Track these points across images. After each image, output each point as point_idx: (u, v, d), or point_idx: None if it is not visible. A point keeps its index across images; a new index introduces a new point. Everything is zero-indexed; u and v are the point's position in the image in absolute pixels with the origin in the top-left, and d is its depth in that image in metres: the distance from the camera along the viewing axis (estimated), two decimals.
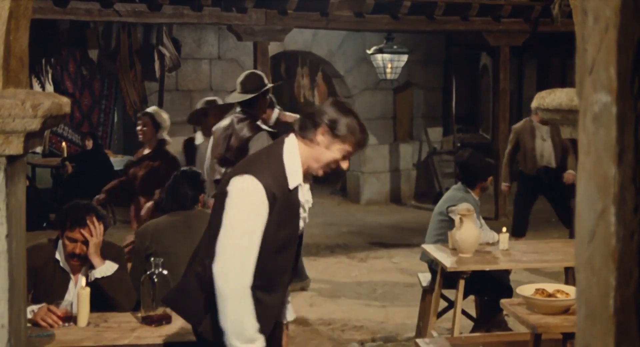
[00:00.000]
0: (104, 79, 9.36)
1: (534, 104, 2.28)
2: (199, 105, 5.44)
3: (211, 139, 4.91)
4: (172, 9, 7.11)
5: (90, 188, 6.70)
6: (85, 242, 3.05)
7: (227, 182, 2.28)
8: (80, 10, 6.79)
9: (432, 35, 10.10)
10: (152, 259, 3.00)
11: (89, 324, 2.88)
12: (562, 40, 7.87)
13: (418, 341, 3.81)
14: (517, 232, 6.45)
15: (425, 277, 4.65)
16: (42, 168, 9.51)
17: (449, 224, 4.27)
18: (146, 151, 5.23)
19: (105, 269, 3.07)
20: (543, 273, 6.16)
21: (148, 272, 2.94)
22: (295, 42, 9.29)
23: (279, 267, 2.33)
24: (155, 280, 2.90)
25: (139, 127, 5.23)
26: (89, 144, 8.50)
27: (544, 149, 6.45)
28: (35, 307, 2.86)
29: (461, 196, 4.43)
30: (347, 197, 10.43)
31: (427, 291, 4.51)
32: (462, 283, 3.99)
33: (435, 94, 10.82)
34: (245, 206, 2.22)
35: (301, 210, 2.37)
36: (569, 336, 3.13)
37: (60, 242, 3.11)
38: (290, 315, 2.63)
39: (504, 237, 4.24)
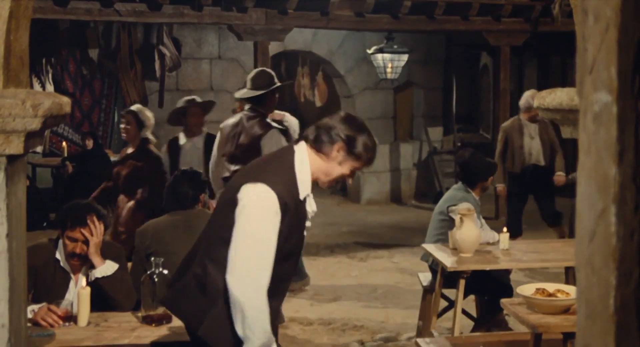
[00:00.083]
0: (104, 78, 9.36)
1: (534, 104, 2.28)
2: (179, 104, 5.44)
3: (217, 137, 4.91)
4: (173, 9, 7.11)
5: (91, 188, 6.70)
6: (86, 242, 3.05)
7: (237, 189, 2.25)
8: (81, 10, 6.79)
9: (432, 35, 10.10)
10: (152, 258, 3.00)
11: (89, 323, 2.88)
12: (563, 40, 7.87)
13: (418, 340, 3.81)
14: (511, 233, 6.45)
15: (425, 277, 4.65)
16: (42, 168, 9.51)
17: (450, 223, 4.27)
18: (129, 150, 5.20)
19: (106, 268, 3.07)
20: (542, 273, 6.16)
21: (148, 272, 2.95)
22: (296, 41, 9.29)
23: (283, 274, 2.33)
24: (156, 280, 2.90)
25: (122, 126, 5.23)
26: (89, 143, 8.50)
27: (532, 147, 6.45)
28: (35, 306, 2.86)
29: (462, 196, 4.43)
30: (347, 197, 10.43)
31: (427, 291, 4.51)
32: (462, 283, 3.99)
33: (435, 94, 10.82)
34: (260, 215, 2.21)
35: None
36: (569, 336, 3.13)
37: (60, 241, 3.11)
38: (282, 318, 2.64)
39: (504, 236, 4.24)
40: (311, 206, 2.37)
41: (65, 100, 2.14)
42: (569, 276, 4.81)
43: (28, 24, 2.11)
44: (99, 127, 9.91)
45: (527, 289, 3.19)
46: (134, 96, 8.30)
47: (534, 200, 6.72)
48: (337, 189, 10.74)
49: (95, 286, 3.02)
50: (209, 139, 5.23)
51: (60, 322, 2.84)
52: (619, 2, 1.02)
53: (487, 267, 4.05)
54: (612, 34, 1.04)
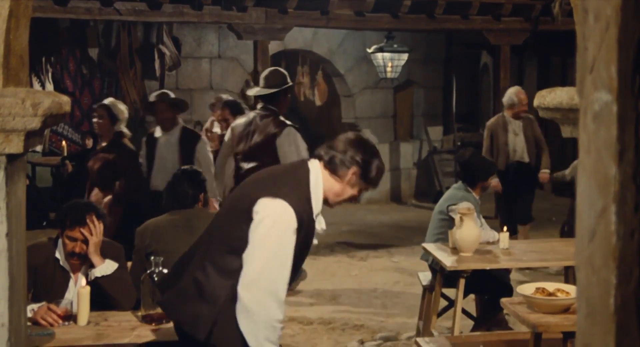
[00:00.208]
0: (104, 77, 9.35)
1: (535, 103, 2.27)
2: (151, 98, 5.45)
3: (227, 135, 4.91)
4: (172, 8, 7.11)
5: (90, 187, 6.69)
6: (85, 241, 3.05)
7: (252, 201, 2.27)
8: (81, 9, 6.78)
9: (432, 34, 10.09)
10: (152, 258, 3.00)
11: (89, 323, 2.88)
12: (563, 39, 7.86)
13: (418, 340, 3.81)
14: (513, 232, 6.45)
15: (425, 276, 4.65)
16: (42, 167, 9.51)
17: (450, 223, 4.27)
18: (103, 144, 5.19)
19: (105, 268, 3.07)
20: (542, 273, 6.16)
21: (148, 271, 2.95)
22: (296, 40, 9.28)
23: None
24: (156, 279, 2.90)
25: (94, 120, 5.23)
26: (89, 143, 8.49)
27: (517, 144, 6.45)
28: (35, 306, 2.86)
29: (462, 195, 4.43)
30: None
31: (427, 290, 4.51)
32: (462, 282, 3.99)
33: (435, 93, 10.81)
34: (281, 232, 2.24)
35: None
36: (569, 335, 3.13)
37: (60, 241, 3.11)
38: None
39: (504, 236, 4.24)
40: (320, 224, 2.41)
41: (65, 100, 2.14)
42: (569, 275, 4.81)
43: (28, 23, 2.11)
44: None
45: (527, 289, 3.19)
46: (133, 95, 8.29)
47: (515, 196, 6.71)
48: None
49: (95, 285, 3.02)
50: (185, 133, 5.22)
51: (60, 322, 2.84)
52: (619, 1, 1.02)
53: (487, 267, 4.05)
54: (613, 33, 1.04)
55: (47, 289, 3.03)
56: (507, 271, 4.60)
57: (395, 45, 8.87)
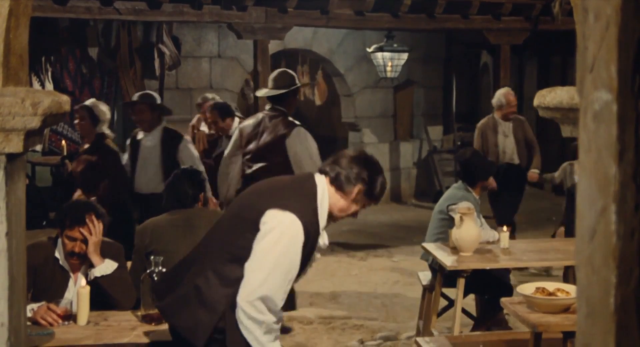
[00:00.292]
0: (104, 77, 9.34)
1: (535, 103, 2.27)
2: (133, 97, 5.38)
3: (235, 135, 4.91)
4: (172, 7, 7.10)
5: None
6: (85, 241, 3.05)
7: (259, 212, 2.28)
8: (80, 8, 6.78)
9: (432, 33, 10.09)
10: (151, 257, 3.00)
11: (88, 322, 2.88)
12: (563, 39, 7.86)
13: (418, 339, 3.81)
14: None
15: (425, 276, 4.65)
16: (41, 166, 9.50)
17: (450, 222, 4.27)
18: (86, 146, 5.13)
19: (105, 267, 3.07)
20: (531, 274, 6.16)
21: (148, 271, 2.94)
22: (296, 40, 9.28)
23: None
24: (155, 278, 2.90)
25: (75, 121, 5.18)
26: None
27: (506, 146, 6.43)
28: (35, 305, 2.86)
29: (462, 195, 4.43)
30: None
31: (427, 290, 4.51)
32: (462, 282, 3.99)
33: (435, 93, 10.81)
34: (289, 245, 2.26)
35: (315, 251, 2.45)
36: (569, 335, 3.13)
37: (59, 240, 3.10)
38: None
39: (504, 235, 4.23)
40: (323, 239, 2.44)
41: (65, 99, 2.14)
42: (569, 274, 4.81)
43: (27, 22, 2.11)
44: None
45: (527, 288, 3.19)
46: (133, 95, 8.29)
47: (502, 197, 6.68)
48: None
49: (95, 284, 3.02)
50: (166, 134, 5.12)
51: (60, 321, 2.84)
52: (619, 1, 1.02)
53: (487, 266, 4.05)
54: (613, 33, 1.03)
55: (47, 289, 3.03)
56: (507, 271, 4.60)
57: (395, 45, 8.87)
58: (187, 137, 5.29)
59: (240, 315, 2.25)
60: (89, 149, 5.03)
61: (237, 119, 5.63)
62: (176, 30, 8.73)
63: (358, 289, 6.04)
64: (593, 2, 1.08)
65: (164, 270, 2.93)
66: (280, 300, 2.28)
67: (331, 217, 2.42)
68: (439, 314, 4.46)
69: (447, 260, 3.96)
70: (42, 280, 3.05)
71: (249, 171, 4.69)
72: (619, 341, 1.03)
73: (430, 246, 4.30)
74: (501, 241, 4.24)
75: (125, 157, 5.28)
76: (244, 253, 2.27)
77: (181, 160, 5.00)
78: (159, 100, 5.20)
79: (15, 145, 1.95)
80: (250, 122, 4.81)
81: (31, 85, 6.63)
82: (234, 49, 9.27)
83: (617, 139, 1.02)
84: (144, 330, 2.82)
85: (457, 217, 4.06)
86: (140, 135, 5.21)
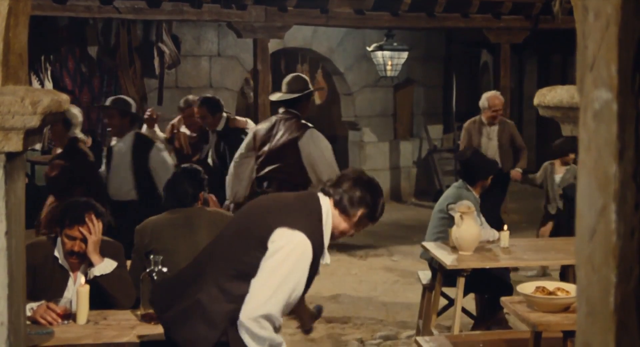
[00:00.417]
0: (104, 76, 9.33)
1: (535, 102, 2.27)
2: (107, 101, 5.26)
3: (247, 137, 4.93)
4: (172, 6, 7.10)
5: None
6: (84, 240, 3.04)
7: (267, 229, 2.30)
8: (80, 7, 6.77)
9: (432, 32, 10.08)
10: (151, 256, 3.00)
11: (88, 321, 2.88)
12: (563, 38, 7.85)
13: (418, 339, 3.81)
14: None
15: (425, 275, 4.65)
16: (41, 165, 9.50)
17: (449, 221, 4.27)
18: (59, 150, 5.04)
19: (104, 266, 3.07)
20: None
21: (147, 270, 2.94)
22: (295, 39, 9.28)
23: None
24: (155, 278, 2.90)
25: (47, 126, 5.07)
26: (88, 141, 8.48)
27: (489, 149, 6.35)
28: (34, 304, 2.86)
29: (462, 194, 4.42)
30: None
31: (427, 289, 4.51)
32: (462, 281, 3.98)
33: (435, 92, 10.80)
34: (294, 263, 2.28)
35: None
36: (569, 334, 3.13)
37: (59, 239, 3.10)
38: None
39: (504, 235, 4.23)
40: (325, 259, 2.47)
41: (64, 98, 2.14)
42: (569, 274, 4.81)
43: (27, 21, 2.11)
44: (98, 125, 9.89)
45: (527, 288, 3.19)
46: (133, 94, 8.28)
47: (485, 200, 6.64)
48: None
49: (94, 284, 3.01)
50: (138, 140, 4.98)
51: (59, 320, 2.84)
52: (619, 0, 1.02)
53: (487, 266, 4.05)
54: (613, 32, 1.03)
55: (46, 288, 3.03)
56: (507, 270, 4.60)
57: (395, 44, 8.86)
58: (159, 145, 5.06)
59: (243, 332, 2.26)
60: (62, 153, 4.93)
61: (225, 115, 5.57)
62: (176, 29, 8.73)
63: (358, 288, 6.04)
64: (593, 1, 1.08)
65: (163, 269, 2.92)
66: (281, 316, 2.30)
67: (332, 237, 2.48)
68: (439, 314, 4.46)
69: (447, 259, 3.95)
70: (41, 279, 3.05)
71: (262, 173, 4.74)
72: (619, 340, 1.03)
73: (430, 245, 4.30)
74: (501, 240, 4.24)
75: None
76: (249, 270, 2.29)
77: (152, 168, 4.86)
78: (132, 107, 5.02)
79: (15, 144, 1.95)
80: (264, 125, 4.86)
81: (30, 84, 6.63)
82: (233, 47, 9.26)
83: (617, 138, 1.02)
84: (143, 329, 2.82)
85: (457, 216, 4.06)
86: (113, 142, 5.13)
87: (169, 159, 5.07)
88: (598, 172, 1.06)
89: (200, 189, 3.63)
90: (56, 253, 3.11)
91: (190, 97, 5.90)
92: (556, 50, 10.56)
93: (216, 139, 5.49)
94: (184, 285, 2.42)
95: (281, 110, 4.82)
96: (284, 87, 4.82)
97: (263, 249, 2.29)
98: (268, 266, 2.27)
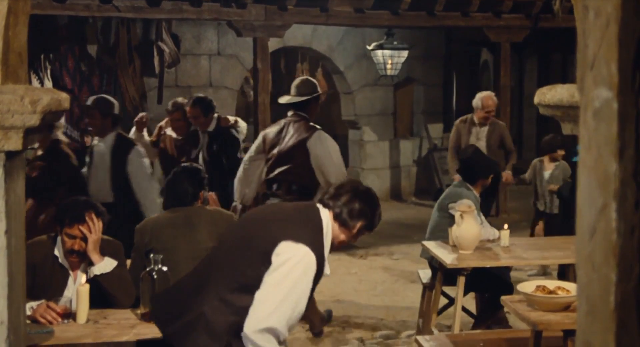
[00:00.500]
0: (103, 74, 9.33)
1: (535, 100, 2.27)
2: (88, 100, 5.19)
3: (257, 140, 4.96)
4: (172, 5, 7.10)
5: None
6: (84, 239, 3.04)
7: (271, 242, 2.31)
8: (79, 5, 6.77)
9: (432, 31, 10.08)
10: (151, 255, 3.00)
11: (88, 320, 2.88)
12: (563, 36, 7.85)
13: (418, 338, 3.81)
14: None
15: (425, 274, 4.65)
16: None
17: (450, 220, 4.27)
18: (39, 152, 5.00)
19: (104, 265, 3.07)
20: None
21: (147, 269, 2.94)
22: (295, 37, 9.27)
23: None
24: (155, 276, 2.90)
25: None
26: (88, 140, 8.47)
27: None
28: (34, 303, 2.85)
29: (462, 193, 4.42)
30: None
31: (427, 288, 4.51)
32: (462, 280, 3.98)
33: (435, 90, 10.80)
34: (298, 276, 2.30)
35: None
36: (569, 333, 3.13)
37: (59, 238, 3.10)
38: None
39: (504, 234, 4.23)
40: (325, 270, 2.48)
41: (64, 96, 2.13)
42: (569, 273, 4.81)
43: (26, 20, 2.10)
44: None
45: (527, 287, 3.19)
46: (132, 92, 8.28)
47: None
48: None
49: (94, 283, 3.01)
50: (118, 141, 4.89)
51: (59, 320, 2.83)
52: None
53: (488, 265, 4.05)
54: (613, 30, 1.03)
55: (46, 287, 3.03)
56: (508, 269, 4.59)
57: (395, 43, 8.86)
58: (139, 149, 4.95)
59: (248, 345, 2.27)
60: (44, 155, 4.89)
61: (216, 115, 5.52)
62: (175, 27, 8.73)
63: (358, 287, 6.04)
64: (593, 0, 1.08)
65: (163, 268, 2.92)
66: (286, 329, 2.31)
67: (331, 247, 2.50)
68: (439, 313, 4.46)
69: (447, 258, 3.95)
70: (41, 278, 3.05)
71: (271, 175, 4.78)
72: (619, 339, 1.03)
73: (430, 244, 4.30)
74: (501, 239, 4.23)
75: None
76: (252, 282, 2.29)
77: (129, 171, 4.77)
78: (115, 107, 4.93)
79: (15, 143, 1.95)
80: (273, 129, 4.90)
81: (30, 83, 6.62)
82: (233, 46, 9.26)
83: (617, 137, 1.02)
84: (143, 328, 2.82)
85: (457, 215, 4.05)
86: (95, 141, 5.06)
87: (148, 165, 4.96)
88: (598, 170, 1.06)
89: (200, 188, 3.63)
90: (56, 252, 3.10)
91: (179, 99, 5.74)
92: (556, 49, 10.56)
93: (208, 139, 5.41)
94: (186, 298, 2.42)
95: (290, 113, 4.88)
96: (292, 90, 4.88)
97: (267, 262, 2.29)
98: (272, 278, 2.28)
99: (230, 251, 2.43)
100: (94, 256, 3.06)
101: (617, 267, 1.02)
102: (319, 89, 4.92)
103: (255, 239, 2.38)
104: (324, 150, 4.65)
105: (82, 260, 3.10)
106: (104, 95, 5.29)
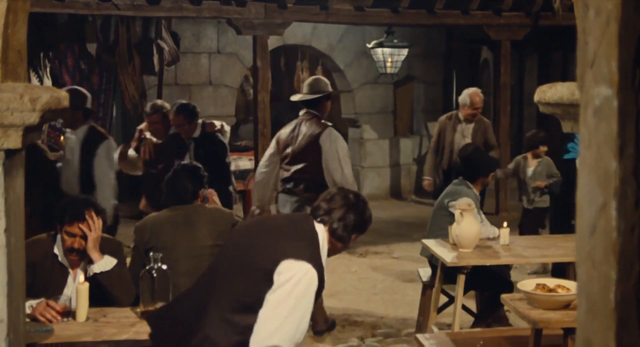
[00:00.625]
0: (103, 73, 9.33)
1: (535, 98, 2.26)
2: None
3: (273, 144, 4.99)
4: (171, 3, 7.09)
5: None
6: (84, 237, 3.04)
7: (273, 262, 2.30)
8: (79, 3, 6.76)
9: (432, 29, 10.07)
10: (151, 254, 3.00)
11: (87, 319, 2.88)
12: (564, 34, 7.84)
13: (418, 336, 3.81)
14: None
15: (425, 273, 4.65)
16: None
17: (450, 218, 4.27)
18: None
19: (104, 264, 3.07)
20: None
21: (147, 267, 2.94)
22: (295, 35, 9.27)
23: None
24: (155, 275, 2.90)
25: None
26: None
27: (461, 146, 6.33)
28: (33, 302, 2.85)
29: (462, 191, 4.42)
30: None
31: (427, 286, 4.51)
32: (462, 278, 3.98)
33: (435, 88, 10.80)
34: (301, 293, 2.30)
35: None
36: (569, 331, 3.12)
37: (58, 236, 3.10)
38: None
39: (504, 232, 4.23)
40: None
41: (64, 95, 2.13)
42: (570, 271, 4.80)
43: (26, 18, 2.10)
44: (97, 122, 9.89)
45: (527, 285, 3.19)
46: (132, 91, 8.28)
47: None
48: None
49: (94, 281, 3.01)
50: (90, 134, 4.82)
51: (59, 318, 2.83)
52: None
53: (488, 263, 4.05)
54: (613, 28, 1.03)
55: (46, 285, 3.03)
56: (508, 267, 4.59)
57: (395, 41, 8.85)
58: (112, 143, 4.87)
59: None
60: None
61: (200, 120, 5.36)
62: (175, 25, 8.72)
63: (358, 285, 6.04)
64: None
65: (163, 267, 2.92)
66: (291, 345, 2.30)
67: (327, 256, 2.53)
68: (439, 311, 4.46)
69: (447, 256, 3.95)
70: (41, 276, 3.05)
71: (287, 174, 4.82)
72: (620, 337, 1.03)
73: (430, 242, 4.29)
74: (501, 237, 4.23)
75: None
76: (255, 302, 2.30)
77: (95, 164, 4.70)
78: (87, 100, 4.85)
79: (14, 141, 1.94)
80: (287, 129, 4.94)
81: (29, 81, 6.62)
82: (233, 44, 9.26)
83: (617, 135, 1.02)
84: (143, 326, 2.81)
85: (457, 213, 4.05)
86: (68, 133, 4.99)
87: (114, 162, 4.90)
88: (598, 169, 1.06)
89: (200, 186, 3.63)
90: (56, 250, 3.10)
91: (159, 102, 5.53)
92: (557, 47, 10.54)
93: (194, 146, 5.30)
94: (188, 321, 2.42)
95: (302, 111, 4.93)
96: (304, 88, 4.93)
97: (269, 281, 2.29)
98: (276, 297, 2.28)
99: (230, 269, 2.42)
100: (94, 254, 3.06)
101: (617, 265, 1.02)
102: (329, 87, 4.97)
103: (255, 258, 2.37)
104: (331, 146, 4.69)
105: (82, 258, 3.10)
106: (76, 87, 5.22)
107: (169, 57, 8.36)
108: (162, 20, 8.12)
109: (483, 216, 4.47)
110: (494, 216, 7.95)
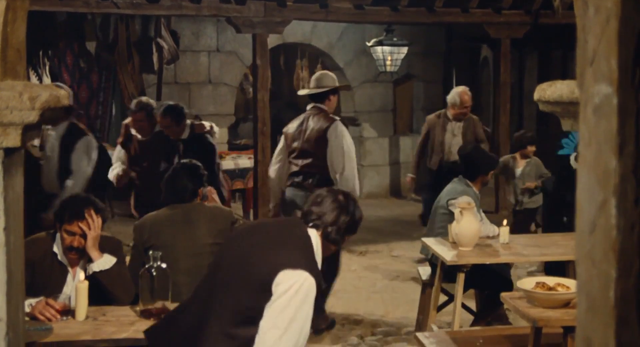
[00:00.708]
0: (102, 71, 9.33)
1: (535, 97, 2.26)
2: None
3: (281, 141, 5.00)
4: (171, 1, 7.08)
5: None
6: (84, 236, 3.04)
7: (271, 273, 2.30)
8: (78, 2, 6.75)
9: (432, 27, 10.07)
10: (150, 252, 2.99)
11: (87, 317, 2.88)
12: (563, 32, 7.83)
13: (418, 335, 3.81)
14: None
15: (425, 271, 4.65)
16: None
17: (449, 217, 4.27)
18: None
19: (104, 262, 3.07)
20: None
21: (147, 266, 2.94)
22: (295, 34, 9.26)
23: None
24: (154, 273, 2.90)
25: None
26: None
27: (452, 145, 6.29)
28: (33, 300, 2.85)
29: (461, 189, 4.42)
30: None
31: (427, 285, 4.51)
32: (462, 277, 3.98)
33: (435, 87, 10.79)
34: (301, 302, 2.30)
35: None
36: (569, 330, 3.12)
37: (58, 235, 3.10)
38: None
39: (504, 230, 4.23)
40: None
41: (63, 93, 2.13)
42: (570, 269, 4.80)
43: (25, 16, 2.10)
44: (96, 121, 9.89)
45: (527, 283, 3.19)
46: (131, 89, 8.28)
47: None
48: None
49: (93, 279, 3.01)
50: (70, 130, 4.81)
51: (58, 317, 2.83)
52: None
53: (487, 261, 4.05)
54: (613, 26, 1.03)
55: (45, 284, 3.02)
56: (508, 266, 4.59)
57: (394, 39, 8.84)
58: (91, 140, 4.82)
59: None
60: None
61: (189, 122, 5.27)
62: (174, 24, 8.71)
63: (357, 284, 6.04)
64: None
65: (162, 265, 2.92)
66: None
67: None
68: (439, 309, 4.46)
69: (447, 255, 3.95)
70: (40, 275, 3.05)
71: (296, 168, 4.83)
72: (619, 335, 1.03)
73: (430, 241, 4.29)
74: (501, 235, 4.23)
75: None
76: (255, 314, 2.30)
77: (72, 159, 4.66)
78: (68, 96, 4.91)
79: (13, 139, 1.94)
80: (294, 124, 4.97)
81: (29, 79, 6.61)
82: (232, 43, 9.25)
83: (617, 132, 1.02)
84: (142, 325, 2.81)
85: (457, 211, 4.05)
86: (48, 130, 4.97)
87: (92, 158, 4.84)
88: (598, 166, 1.05)
89: (200, 185, 3.63)
90: (55, 249, 3.10)
91: (144, 99, 5.43)
92: (557, 45, 10.54)
93: (183, 147, 5.19)
94: (188, 337, 2.41)
95: (309, 106, 4.95)
96: (312, 83, 4.98)
97: (268, 292, 2.29)
98: (276, 307, 2.28)
99: (227, 282, 2.41)
100: (93, 252, 3.05)
101: (617, 263, 1.02)
102: (337, 82, 5.01)
103: (251, 270, 2.36)
104: (336, 142, 4.72)
105: (81, 257, 3.10)
106: (57, 83, 5.24)
107: (169, 56, 8.36)
108: (161, 18, 8.12)
109: (483, 214, 4.47)
110: (494, 214, 7.96)
